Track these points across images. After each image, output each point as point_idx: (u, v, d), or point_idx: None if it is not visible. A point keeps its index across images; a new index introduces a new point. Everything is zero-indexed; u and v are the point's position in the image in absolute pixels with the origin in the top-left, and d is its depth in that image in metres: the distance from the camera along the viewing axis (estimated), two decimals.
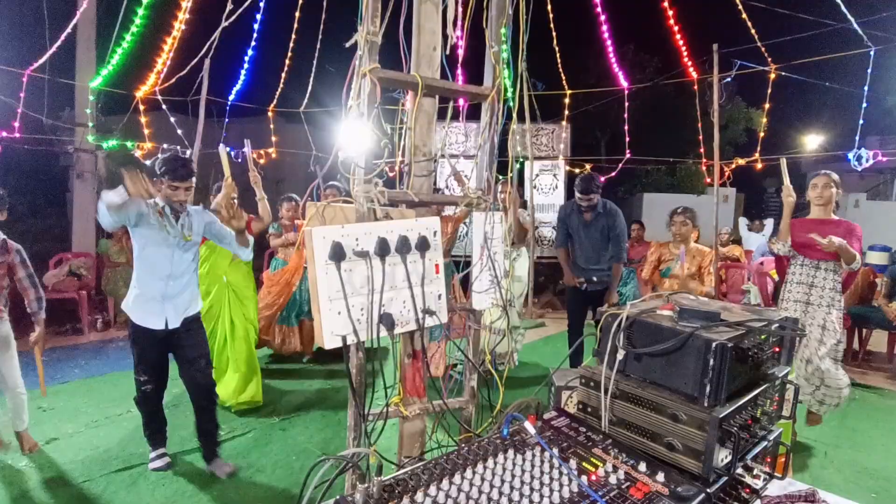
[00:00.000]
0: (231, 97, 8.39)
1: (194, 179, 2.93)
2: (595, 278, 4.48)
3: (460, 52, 1.88)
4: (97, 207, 2.70)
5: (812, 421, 3.73)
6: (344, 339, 1.51)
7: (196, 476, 3.14)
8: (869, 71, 6.19)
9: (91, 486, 3.01)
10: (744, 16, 6.33)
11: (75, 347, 5.67)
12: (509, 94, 1.83)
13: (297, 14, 7.44)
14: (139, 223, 2.85)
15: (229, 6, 6.07)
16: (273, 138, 9.29)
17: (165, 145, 7.38)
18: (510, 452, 1.23)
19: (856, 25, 5.82)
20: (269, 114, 9.25)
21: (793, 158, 13.85)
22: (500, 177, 2.09)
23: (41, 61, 5.93)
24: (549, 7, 7.55)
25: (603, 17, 7.47)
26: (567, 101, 8.77)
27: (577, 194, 4.43)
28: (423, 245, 1.61)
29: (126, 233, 7.37)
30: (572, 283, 4.59)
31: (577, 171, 9.41)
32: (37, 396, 4.20)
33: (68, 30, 6.05)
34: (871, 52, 6.06)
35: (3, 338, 3.24)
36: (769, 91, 7.13)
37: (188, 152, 7.05)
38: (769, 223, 9.76)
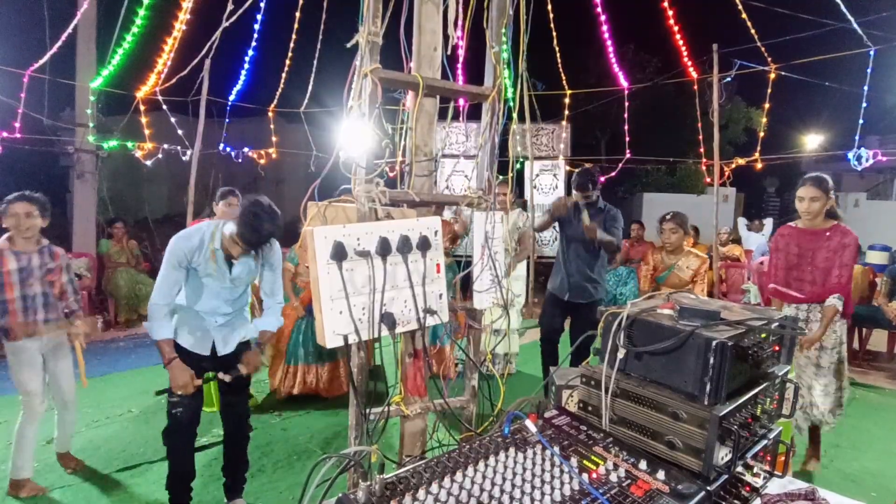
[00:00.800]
0: (231, 97, 8.40)
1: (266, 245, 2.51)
2: (581, 287, 4.04)
3: (461, 52, 1.88)
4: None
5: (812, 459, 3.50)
6: (345, 338, 1.51)
7: (199, 478, 3.14)
8: (869, 71, 6.19)
9: (91, 486, 3.02)
10: (744, 15, 6.34)
11: None
12: (509, 95, 1.84)
13: (297, 14, 7.45)
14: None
15: (230, 6, 6.08)
16: (273, 138, 9.30)
17: (166, 146, 7.39)
18: (511, 450, 1.24)
19: (855, 25, 5.83)
20: (270, 114, 9.26)
21: (793, 158, 13.88)
22: (500, 176, 2.10)
23: (42, 61, 5.94)
24: (549, 7, 7.56)
25: (603, 18, 7.47)
26: (567, 101, 8.78)
27: (574, 192, 4.13)
28: (425, 244, 1.61)
29: (126, 233, 7.40)
30: (563, 206, 4.02)
31: (576, 170, 9.42)
32: None
33: (69, 30, 6.06)
34: (871, 52, 6.07)
35: (59, 345, 3.09)
36: (769, 91, 7.13)
37: (188, 152, 7.06)
38: (768, 223, 9.77)
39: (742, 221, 10.27)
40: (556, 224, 4.27)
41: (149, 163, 7.36)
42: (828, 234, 3.25)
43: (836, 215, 3.34)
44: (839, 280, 3.21)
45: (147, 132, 7.24)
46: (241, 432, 2.84)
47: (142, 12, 5.98)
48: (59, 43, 6.00)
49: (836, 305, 3.18)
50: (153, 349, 5.72)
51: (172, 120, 7.37)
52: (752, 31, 6.54)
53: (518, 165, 7.68)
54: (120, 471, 3.19)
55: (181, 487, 2.69)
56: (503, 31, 1.79)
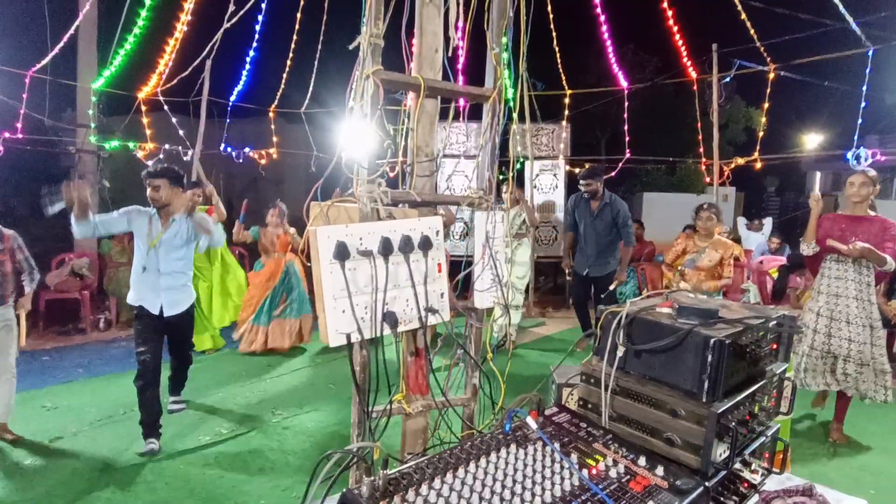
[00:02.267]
0: (232, 98, 8.42)
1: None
2: (598, 264, 5.18)
3: (461, 53, 1.90)
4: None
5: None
6: (348, 336, 1.53)
7: (197, 477, 3.17)
8: (867, 70, 6.21)
9: (93, 485, 3.04)
10: (743, 16, 6.36)
11: (78, 347, 5.70)
12: (510, 95, 1.85)
13: (298, 15, 7.47)
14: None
15: (231, 7, 6.09)
16: (274, 139, 9.32)
17: (167, 146, 7.40)
18: (512, 447, 1.26)
19: (854, 25, 5.85)
20: (270, 114, 9.28)
21: (792, 158, 13.89)
22: (502, 176, 2.12)
23: (43, 62, 5.96)
24: (549, 7, 7.58)
25: (603, 18, 7.49)
26: (567, 100, 8.80)
27: (580, 182, 5.16)
28: (426, 244, 1.63)
29: (128, 233, 7.42)
30: (568, 266, 5.44)
31: (577, 170, 9.44)
32: (41, 396, 4.23)
33: (71, 31, 6.07)
34: (870, 52, 6.09)
35: (5, 322, 3.49)
36: (768, 90, 7.15)
37: (189, 153, 7.08)
38: (768, 222, 9.78)
39: (742, 221, 10.28)
40: (573, 219, 5.40)
41: (150, 163, 7.36)
42: (870, 221, 3.63)
43: (874, 208, 3.76)
44: (893, 254, 3.50)
45: (148, 132, 7.26)
46: (184, 363, 4.02)
47: (143, 13, 6.00)
48: (61, 44, 6.02)
49: (891, 263, 3.46)
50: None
51: (174, 120, 7.39)
52: (752, 31, 6.55)
53: (518, 165, 7.69)
54: (121, 469, 3.21)
55: (151, 420, 3.45)
56: (503, 32, 1.81)
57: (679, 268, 4.60)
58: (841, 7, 5.55)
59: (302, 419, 4.00)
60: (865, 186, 3.61)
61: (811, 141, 18.38)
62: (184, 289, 3.65)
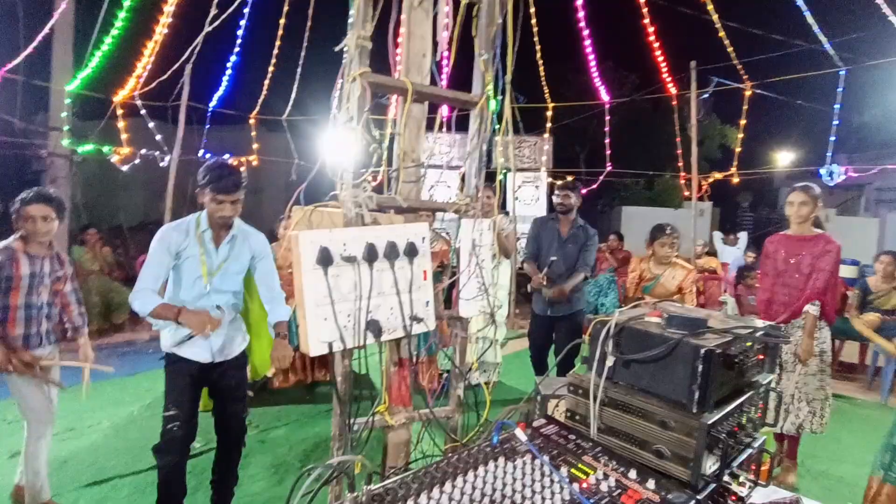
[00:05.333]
0: (212, 104, 8.29)
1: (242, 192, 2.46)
2: (560, 301, 4.14)
3: (447, 59, 1.88)
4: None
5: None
6: (330, 345, 1.48)
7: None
8: (840, 90, 6.41)
9: (59, 500, 2.89)
10: (721, 33, 6.52)
11: None
12: (492, 107, 1.84)
13: (281, 21, 7.41)
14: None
15: (213, 11, 6.01)
16: (254, 146, 9.19)
17: (143, 150, 7.24)
18: (501, 460, 1.22)
19: (827, 46, 6.04)
20: (251, 121, 9.16)
21: (767, 173, 14.24)
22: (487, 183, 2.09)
23: (15, 62, 5.78)
24: (533, 21, 7.67)
25: (586, 32, 7.60)
26: (549, 113, 8.89)
27: (556, 192, 4.36)
28: (412, 251, 1.59)
29: (99, 240, 7.19)
30: (538, 285, 4.18)
31: (558, 182, 9.51)
32: (2, 408, 4.04)
33: (45, 30, 5.91)
34: (842, 72, 6.28)
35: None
36: (745, 107, 7.33)
37: (166, 158, 6.92)
38: (743, 236, 9.99)
39: (717, 235, 10.49)
40: (535, 246, 4.44)
41: (125, 168, 7.19)
42: (813, 241, 3.40)
43: (821, 226, 3.52)
44: (815, 285, 3.30)
45: (124, 137, 7.08)
46: (238, 442, 2.72)
47: (122, 14, 5.88)
48: (34, 43, 5.85)
49: (811, 312, 3.27)
50: (125, 359, 5.51)
51: (151, 125, 7.23)
52: (730, 49, 6.72)
53: (501, 176, 7.72)
54: (90, 485, 3.06)
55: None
56: (492, 39, 1.80)
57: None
58: (815, 28, 5.73)
59: (279, 433, 3.89)
60: (805, 206, 3.39)
61: (783, 159, 18.92)
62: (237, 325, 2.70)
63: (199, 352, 2.47)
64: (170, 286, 2.49)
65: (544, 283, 4.15)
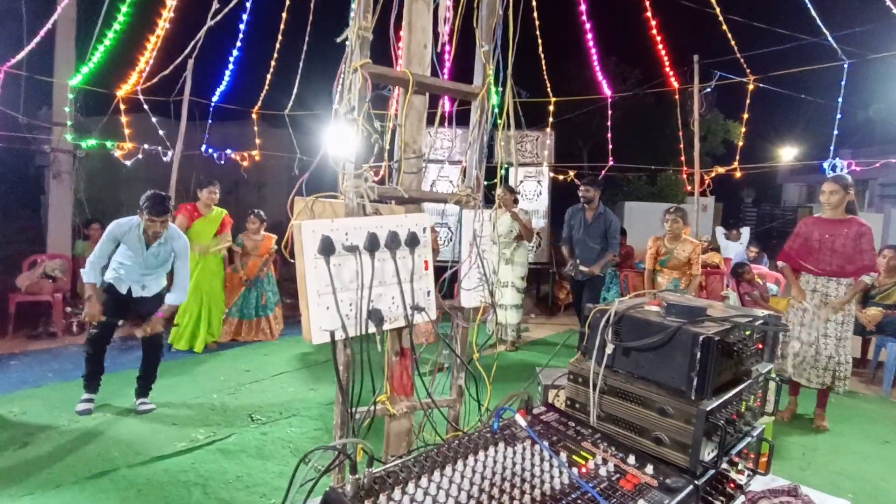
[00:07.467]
0: (215, 98, 8.29)
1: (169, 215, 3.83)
2: (586, 268, 5.59)
3: (449, 51, 1.88)
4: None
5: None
6: (332, 334, 1.49)
7: (171, 485, 3.07)
8: (843, 84, 6.38)
9: (61, 492, 2.92)
10: (724, 27, 6.49)
11: (48, 351, 5.51)
12: (494, 101, 1.84)
13: (283, 15, 7.40)
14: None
15: (215, 5, 6.01)
16: (256, 141, 9.20)
17: (146, 146, 7.26)
18: (501, 445, 1.23)
19: (831, 39, 6.01)
20: (253, 116, 9.16)
21: (770, 168, 14.18)
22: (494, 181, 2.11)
23: (19, 57, 5.79)
24: (535, 14, 7.64)
25: (588, 26, 7.57)
26: (551, 108, 8.87)
27: (580, 187, 5.71)
28: (413, 241, 1.60)
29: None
30: (569, 273, 5.72)
31: (560, 177, 9.49)
32: (7, 402, 4.07)
33: (48, 25, 5.91)
34: (845, 66, 6.25)
35: None
36: (748, 102, 7.30)
37: (169, 154, 6.94)
38: (745, 231, 9.96)
39: (720, 231, 10.46)
40: (570, 230, 5.85)
41: (128, 163, 7.21)
42: (845, 223, 3.86)
43: (854, 210, 3.97)
44: (870, 261, 3.79)
45: (127, 132, 7.10)
46: (154, 355, 4.07)
47: (124, 9, 5.88)
48: (37, 39, 5.86)
49: (866, 280, 3.83)
50: (127, 353, 5.57)
51: (154, 120, 7.24)
52: (732, 42, 6.69)
53: (502, 172, 7.72)
54: (91, 478, 3.08)
55: (93, 378, 3.96)
56: (493, 30, 1.80)
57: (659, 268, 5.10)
58: (818, 21, 5.70)
59: (282, 424, 3.91)
60: (835, 194, 3.87)
61: (786, 154, 18.84)
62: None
63: (119, 285, 3.89)
64: (119, 251, 3.89)
65: (573, 272, 5.64)
